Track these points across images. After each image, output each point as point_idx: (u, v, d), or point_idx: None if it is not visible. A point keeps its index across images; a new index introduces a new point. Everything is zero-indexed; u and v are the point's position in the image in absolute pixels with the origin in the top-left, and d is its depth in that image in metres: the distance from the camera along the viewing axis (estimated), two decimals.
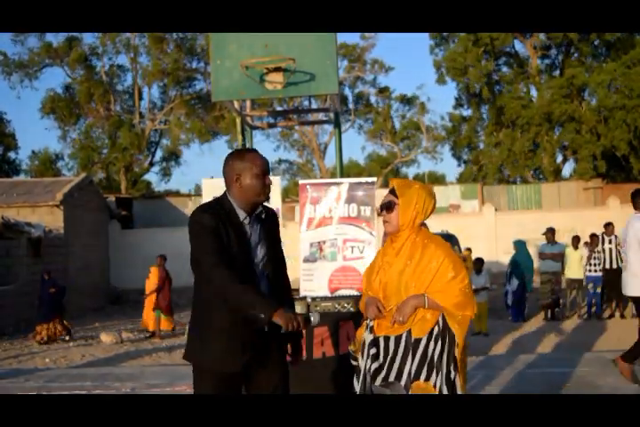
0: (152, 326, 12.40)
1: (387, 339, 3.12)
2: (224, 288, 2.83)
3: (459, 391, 3.04)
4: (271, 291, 3.04)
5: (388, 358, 3.09)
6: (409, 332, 3.08)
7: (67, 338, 12.44)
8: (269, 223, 3.16)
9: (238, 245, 2.94)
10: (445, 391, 3.01)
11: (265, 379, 3.00)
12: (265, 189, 3.02)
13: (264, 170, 3.01)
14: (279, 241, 3.24)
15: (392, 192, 3.22)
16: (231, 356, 2.92)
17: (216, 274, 2.84)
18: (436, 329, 3.06)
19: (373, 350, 3.13)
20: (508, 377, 6.50)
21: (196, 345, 3.00)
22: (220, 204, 3.03)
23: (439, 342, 3.05)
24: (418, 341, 3.06)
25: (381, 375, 3.07)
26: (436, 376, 3.02)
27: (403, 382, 3.03)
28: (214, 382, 2.94)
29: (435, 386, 3.01)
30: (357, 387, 3.19)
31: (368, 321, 3.22)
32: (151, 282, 12.57)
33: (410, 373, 3.04)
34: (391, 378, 3.06)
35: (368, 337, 3.18)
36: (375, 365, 3.10)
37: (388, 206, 3.20)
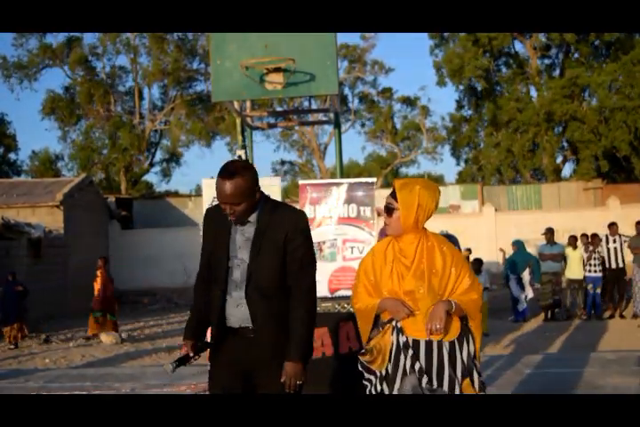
0: (93, 328, 12.28)
1: (416, 342, 3.06)
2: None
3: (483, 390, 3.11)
4: (252, 302, 3.00)
5: (424, 362, 3.03)
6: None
7: (13, 347, 11.90)
8: (275, 230, 3.00)
9: (219, 243, 3.07)
10: (482, 392, 3.05)
11: (259, 384, 3.02)
12: (226, 212, 2.98)
13: (220, 199, 2.94)
14: (289, 250, 3.00)
15: (393, 194, 3.13)
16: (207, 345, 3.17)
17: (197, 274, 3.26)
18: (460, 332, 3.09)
19: (411, 352, 3.04)
20: (508, 377, 6.49)
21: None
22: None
23: (464, 344, 3.07)
24: (450, 344, 3.05)
25: (425, 379, 3.00)
26: (472, 378, 3.05)
27: (446, 388, 3.00)
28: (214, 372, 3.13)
29: (474, 388, 3.04)
30: (395, 388, 3.04)
31: (394, 323, 3.10)
32: (98, 285, 12.58)
33: (451, 377, 3.01)
34: (433, 383, 3.00)
35: (401, 338, 3.07)
36: (418, 365, 3.01)
37: (387, 210, 3.14)
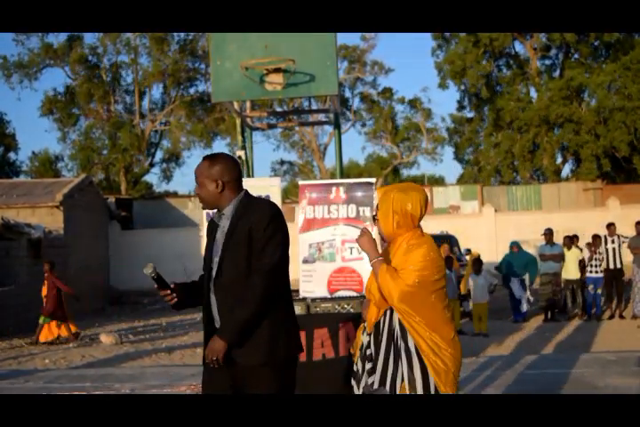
0: (45, 335, 12.03)
1: (377, 341, 3.16)
2: None
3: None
4: (219, 297, 3.03)
5: (381, 360, 3.13)
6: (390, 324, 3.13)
7: None
8: (243, 224, 3.00)
9: (206, 247, 3.15)
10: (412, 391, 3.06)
11: (248, 381, 2.99)
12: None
13: (195, 179, 3.13)
14: (252, 244, 2.97)
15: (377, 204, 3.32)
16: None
17: None
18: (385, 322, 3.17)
19: (369, 351, 3.18)
20: (508, 378, 6.49)
21: None
22: None
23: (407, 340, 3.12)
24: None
25: (371, 380, 3.13)
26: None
27: (387, 387, 3.08)
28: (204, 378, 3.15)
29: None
30: (356, 389, 3.23)
31: (365, 324, 3.28)
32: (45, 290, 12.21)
33: (394, 375, 3.09)
34: (386, 381, 3.09)
35: (365, 339, 3.23)
36: (369, 366, 3.16)
37: (373, 219, 3.34)
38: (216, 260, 3.05)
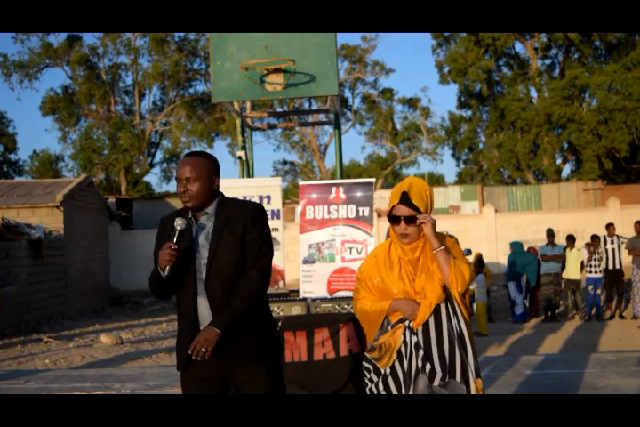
0: None
1: (427, 341, 3.11)
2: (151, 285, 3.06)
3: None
4: (213, 294, 2.96)
5: (437, 363, 3.06)
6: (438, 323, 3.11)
7: None
8: (233, 223, 2.99)
9: (182, 247, 2.96)
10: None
11: (243, 380, 2.98)
12: (181, 194, 2.99)
13: (179, 177, 3.00)
14: (248, 240, 3.00)
15: (404, 202, 3.11)
16: (179, 356, 3.03)
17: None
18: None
19: (422, 352, 3.07)
20: (507, 378, 6.49)
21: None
22: (184, 208, 3.10)
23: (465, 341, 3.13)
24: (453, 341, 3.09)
25: (437, 378, 3.03)
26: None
27: (458, 379, 3.05)
28: (185, 383, 3.04)
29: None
30: (402, 389, 3.09)
31: (407, 323, 3.13)
32: None
33: (464, 371, 3.07)
34: (456, 375, 3.05)
35: (412, 339, 3.10)
36: (429, 367, 3.04)
37: (407, 219, 3.11)
38: (203, 262, 2.98)
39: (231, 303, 2.92)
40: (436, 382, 3.01)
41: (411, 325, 3.11)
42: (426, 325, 3.10)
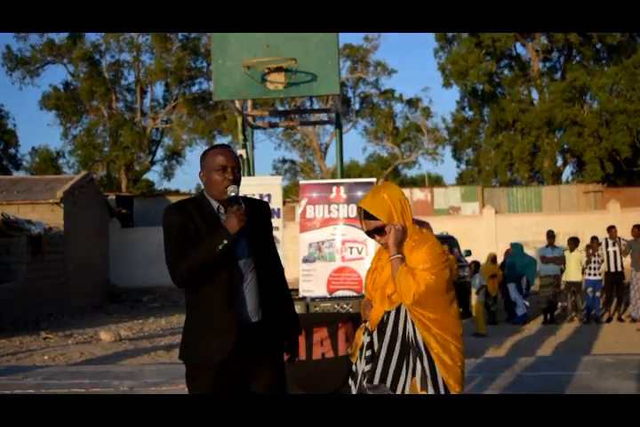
0: None
1: (379, 337, 3.15)
2: (185, 272, 2.88)
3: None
4: (260, 280, 2.96)
5: (382, 358, 3.11)
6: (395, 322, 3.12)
7: None
8: (256, 215, 3.03)
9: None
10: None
11: (258, 375, 2.96)
12: (223, 183, 2.94)
13: (223, 165, 2.95)
14: (269, 234, 3.16)
15: (367, 216, 3.16)
16: (216, 348, 2.88)
17: (175, 271, 2.91)
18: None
19: (369, 352, 3.16)
20: (506, 380, 6.50)
21: (185, 343, 3.00)
22: (192, 199, 3.08)
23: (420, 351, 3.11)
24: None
25: (374, 376, 3.10)
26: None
27: (388, 384, 3.08)
28: (204, 377, 2.92)
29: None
30: (354, 389, 3.23)
31: (366, 324, 3.24)
32: None
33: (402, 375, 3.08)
34: (387, 380, 3.08)
35: (365, 339, 3.20)
36: (368, 367, 3.14)
37: (377, 231, 3.17)
38: (243, 248, 2.93)
39: (293, 307, 3.20)
40: (365, 382, 3.13)
41: (367, 324, 3.25)
42: (382, 327, 3.14)
